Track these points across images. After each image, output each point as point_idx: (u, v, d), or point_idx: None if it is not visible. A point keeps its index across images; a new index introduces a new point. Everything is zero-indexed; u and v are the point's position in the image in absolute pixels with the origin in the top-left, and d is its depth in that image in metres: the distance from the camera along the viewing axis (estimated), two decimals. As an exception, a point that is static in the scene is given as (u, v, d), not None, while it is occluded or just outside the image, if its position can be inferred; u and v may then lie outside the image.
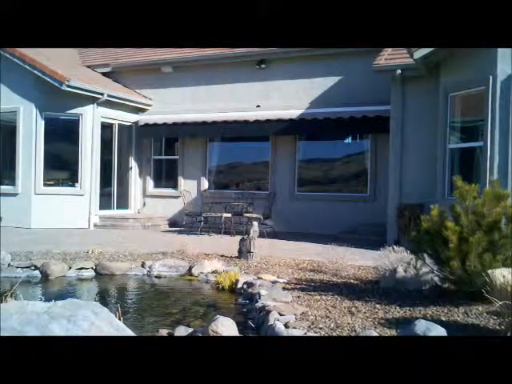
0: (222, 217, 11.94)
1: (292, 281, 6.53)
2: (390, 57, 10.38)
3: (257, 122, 13.11)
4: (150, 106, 14.73)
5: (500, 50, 7.98)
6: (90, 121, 13.13)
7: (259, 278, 6.61)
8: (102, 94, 13.02)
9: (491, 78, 8.12)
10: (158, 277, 7.31)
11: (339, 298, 5.49)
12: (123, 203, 14.57)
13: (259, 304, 5.18)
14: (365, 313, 4.90)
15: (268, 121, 12.96)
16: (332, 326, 4.41)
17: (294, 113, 12.79)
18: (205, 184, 14.22)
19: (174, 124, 14.06)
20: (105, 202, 13.78)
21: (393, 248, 6.68)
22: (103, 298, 6.44)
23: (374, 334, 4.00)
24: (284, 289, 5.96)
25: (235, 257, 8.33)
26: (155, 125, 14.37)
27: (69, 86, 12.16)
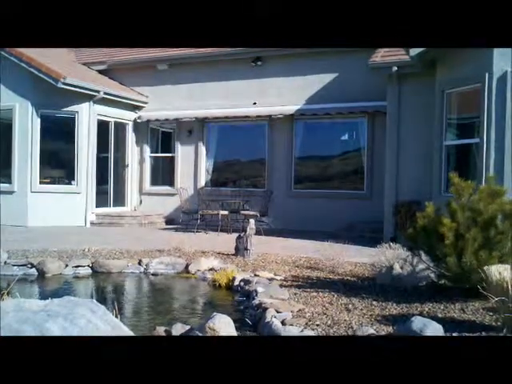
0: (218, 214, 11.93)
1: (289, 278, 6.53)
2: (386, 54, 10.38)
3: (258, 117, 13.16)
4: (146, 103, 14.72)
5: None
6: (86, 118, 13.10)
7: (256, 275, 6.61)
8: (98, 92, 12.99)
9: (487, 74, 8.13)
10: (155, 274, 7.31)
11: (336, 295, 5.50)
12: (120, 201, 14.55)
13: (256, 301, 5.19)
14: (361, 309, 4.91)
15: (268, 116, 13.03)
16: (329, 322, 4.42)
17: (291, 108, 12.81)
18: (201, 181, 14.21)
19: (176, 120, 14.10)
20: (101, 199, 13.75)
21: (389, 245, 6.69)
22: (100, 295, 6.43)
23: (371, 330, 4.01)
24: (281, 286, 5.97)
25: (232, 254, 8.33)
26: (157, 121, 14.48)
27: (65, 84, 12.13)
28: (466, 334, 3.99)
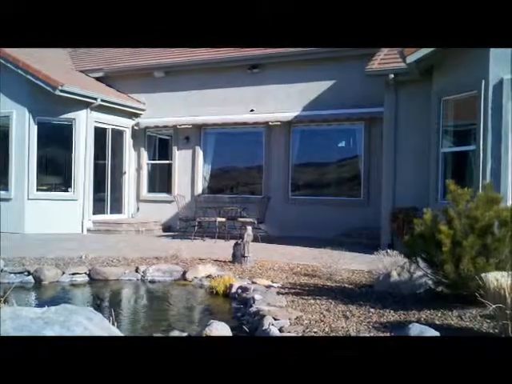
0: (215, 221, 11.93)
1: (286, 285, 6.53)
2: (383, 61, 10.42)
3: (255, 123, 13.24)
4: (143, 110, 14.74)
5: (492, 54, 8.03)
6: (84, 125, 13.10)
7: (253, 282, 6.60)
8: (95, 99, 13.01)
9: (483, 82, 8.16)
10: (152, 282, 7.29)
11: (333, 302, 5.49)
12: (117, 208, 14.53)
13: (253, 308, 5.18)
14: (359, 317, 4.90)
15: (266, 123, 13.10)
16: (326, 330, 4.42)
17: (289, 115, 12.85)
18: (199, 188, 14.20)
19: (173, 127, 14.17)
20: (98, 206, 13.73)
21: (387, 252, 6.70)
22: (97, 303, 6.41)
23: (369, 338, 4.00)
24: (278, 293, 5.96)
25: (229, 261, 8.31)
26: (154, 127, 14.56)
27: (62, 91, 12.14)
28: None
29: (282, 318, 4.66)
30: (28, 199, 12.65)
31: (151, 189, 15.07)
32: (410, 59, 8.92)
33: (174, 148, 14.51)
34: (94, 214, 13.41)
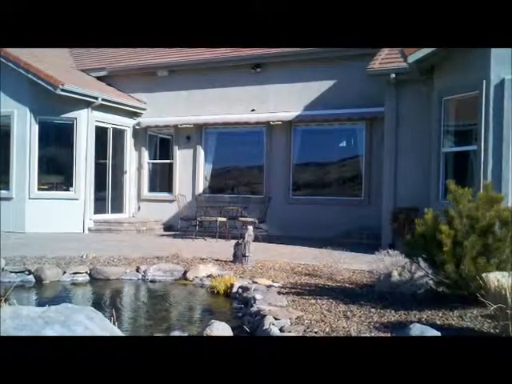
0: (216, 221, 11.93)
1: (287, 285, 6.52)
2: (384, 61, 10.42)
3: (257, 123, 13.24)
4: (144, 109, 14.74)
5: (493, 54, 8.02)
6: (85, 125, 13.10)
7: (254, 282, 6.60)
8: (96, 98, 13.00)
9: (484, 82, 8.15)
10: (153, 281, 7.29)
11: (334, 302, 5.49)
12: (118, 207, 14.53)
13: (254, 308, 5.18)
14: (360, 317, 4.90)
15: (267, 123, 13.09)
16: (327, 330, 4.41)
17: (290, 115, 12.84)
18: (200, 188, 14.20)
19: (175, 126, 14.17)
20: (99, 206, 13.73)
21: (387, 252, 6.69)
22: (97, 302, 6.41)
23: (369, 337, 4.00)
24: (279, 293, 5.95)
25: (230, 261, 8.31)
26: (155, 127, 14.56)
27: (63, 90, 12.14)
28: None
29: (282, 318, 4.66)
30: (29, 198, 12.66)
31: (152, 188, 15.07)
32: (411, 59, 8.92)
33: (175, 147, 14.51)
34: (94, 213, 13.41)
